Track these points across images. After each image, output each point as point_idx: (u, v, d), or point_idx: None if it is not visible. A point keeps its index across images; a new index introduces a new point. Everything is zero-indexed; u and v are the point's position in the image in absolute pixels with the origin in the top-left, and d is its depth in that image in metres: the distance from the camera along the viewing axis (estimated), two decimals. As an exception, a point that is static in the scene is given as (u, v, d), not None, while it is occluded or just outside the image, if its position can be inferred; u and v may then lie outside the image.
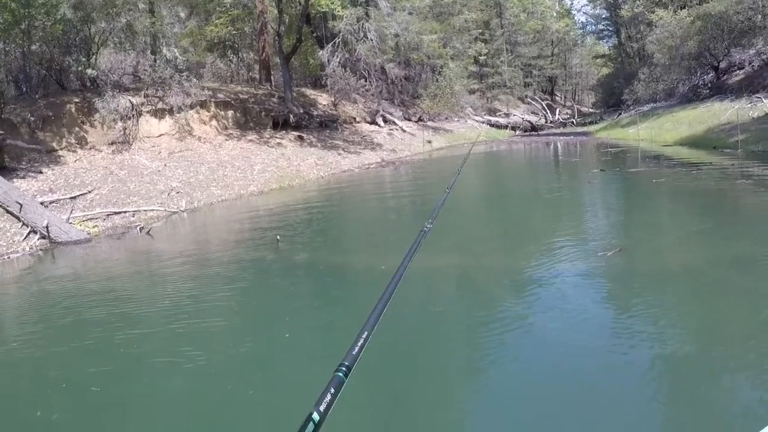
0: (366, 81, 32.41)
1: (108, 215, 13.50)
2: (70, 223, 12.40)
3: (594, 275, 7.60)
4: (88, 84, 19.47)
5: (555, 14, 74.51)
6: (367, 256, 9.54)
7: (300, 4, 29.04)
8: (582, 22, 70.31)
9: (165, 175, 16.75)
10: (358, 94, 32.19)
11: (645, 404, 4.31)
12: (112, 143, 17.79)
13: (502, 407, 4.60)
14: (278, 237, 10.30)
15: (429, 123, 39.31)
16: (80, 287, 8.66)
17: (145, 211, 14.16)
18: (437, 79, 42.37)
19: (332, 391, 1.39)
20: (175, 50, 21.97)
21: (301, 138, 25.18)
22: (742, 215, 10.98)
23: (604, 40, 69.55)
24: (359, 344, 1.61)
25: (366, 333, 1.66)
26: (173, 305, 7.13)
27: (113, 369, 5.49)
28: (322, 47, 32.56)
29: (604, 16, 64.13)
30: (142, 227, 12.66)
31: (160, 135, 19.76)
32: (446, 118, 41.96)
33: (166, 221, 13.98)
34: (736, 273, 7.20)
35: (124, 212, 13.80)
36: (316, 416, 1.30)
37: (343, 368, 1.48)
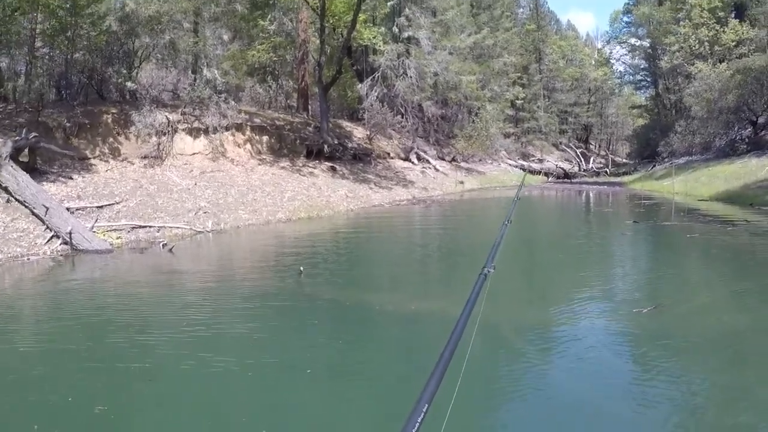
0: (402, 117, 32.33)
1: (133, 228, 13.29)
2: (94, 231, 12.20)
3: (628, 333, 7.14)
4: (127, 96, 19.54)
5: (594, 62, 74.47)
6: (393, 295, 9.11)
7: (342, 36, 29.13)
8: (620, 71, 69.79)
9: (194, 194, 16.56)
10: (393, 129, 32.09)
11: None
12: (144, 157, 17.71)
13: None
14: (301, 269, 9.91)
15: (462, 164, 39.06)
16: (94, 300, 8.40)
17: (170, 227, 13.92)
18: (473, 121, 42.25)
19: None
20: (216, 71, 21.96)
21: (333, 169, 24.99)
22: None
23: (642, 91, 69.06)
24: (418, 420, 1.23)
25: (426, 405, 1.30)
26: (187, 332, 6.73)
27: (116, 394, 5.14)
28: (361, 80, 32.57)
29: (642, 67, 63.77)
30: (166, 243, 12.38)
31: (194, 153, 19.67)
32: (480, 160, 41.68)
33: (190, 240, 13.74)
34: None
35: (150, 227, 13.58)
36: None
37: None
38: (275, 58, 30.15)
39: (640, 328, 7.20)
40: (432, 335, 6.90)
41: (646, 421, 4.72)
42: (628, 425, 4.72)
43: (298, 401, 5.04)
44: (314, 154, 25.20)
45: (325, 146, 25.66)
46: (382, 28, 32.50)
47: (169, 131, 18.68)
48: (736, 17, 42.35)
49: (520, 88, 53.73)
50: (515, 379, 5.72)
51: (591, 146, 73.29)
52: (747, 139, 32.85)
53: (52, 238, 11.54)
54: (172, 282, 9.91)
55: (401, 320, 7.53)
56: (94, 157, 16.52)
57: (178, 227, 14.10)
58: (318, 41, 28.53)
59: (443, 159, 37.55)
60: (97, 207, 13.65)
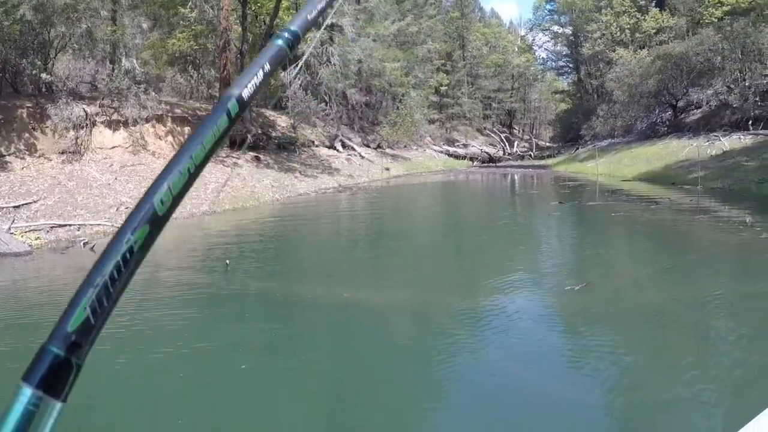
0: (327, 105, 32.32)
1: (52, 227, 13.08)
2: (12, 233, 11.97)
3: (561, 311, 7.48)
4: (43, 89, 19.02)
5: (517, 49, 75.71)
6: (324, 285, 9.20)
7: (265, 23, 28.92)
8: (543, 57, 71.32)
9: (115, 189, 16.36)
10: (317, 117, 32.11)
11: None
12: (62, 152, 17.31)
13: None
14: (227, 261, 9.98)
15: (388, 150, 39.38)
16: (12, 305, 8.30)
17: (91, 225, 13.75)
18: (398, 107, 42.53)
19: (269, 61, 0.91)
20: (135, 61, 21.58)
21: (257, 159, 24.93)
22: (706, 252, 11.03)
23: (564, 77, 70.83)
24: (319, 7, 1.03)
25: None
26: (110, 332, 6.80)
27: None
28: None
29: (564, 53, 65.38)
30: (87, 242, 12.25)
31: (113, 147, 19.32)
32: (405, 147, 42.10)
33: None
34: (698, 311, 7.11)
35: (69, 225, 13.39)
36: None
37: (289, 36, 0.93)
38: (196, 47, 29.73)
39: (573, 305, 7.50)
40: (366, 324, 7.11)
41: (581, 398, 4.96)
42: (564, 404, 4.92)
43: (233, 398, 5.09)
44: (237, 144, 25.03)
45: (249, 136, 25.51)
46: (306, 16, 32.29)
47: (87, 124, 18.27)
48: (656, 5, 43.95)
49: (444, 75, 54.36)
50: (448, 363, 5.86)
51: (515, 131, 74.60)
52: (667, 122, 34.31)
53: (-35, 240, 11.28)
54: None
55: (334, 309, 7.67)
56: (9, 154, 16.06)
57: (99, 224, 13.93)
58: (240, 29, 28.29)
59: (368, 146, 37.76)
60: (14, 207, 13.37)
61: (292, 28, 0.93)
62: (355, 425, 4.82)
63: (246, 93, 0.85)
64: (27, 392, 0.57)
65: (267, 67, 0.88)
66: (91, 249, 11.84)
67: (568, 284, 8.30)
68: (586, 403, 4.93)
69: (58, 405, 0.59)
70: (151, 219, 0.71)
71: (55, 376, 0.60)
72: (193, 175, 0.77)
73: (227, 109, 0.83)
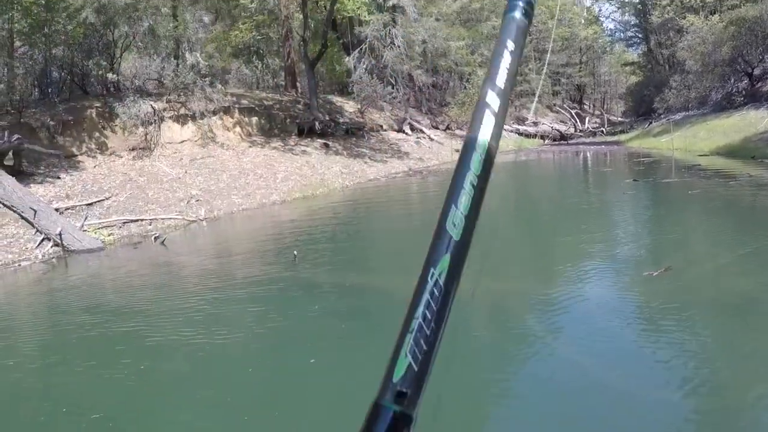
0: (393, 88, 31.82)
1: (124, 223, 13.04)
2: (85, 230, 11.96)
3: (639, 299, 6.91)
4: (111, 89, 19.17)
5: (583, 21, 73.66)
6: (393, 276, 8.74)
7: (325, 9, 28.59)
8: (610, 29, 69.35)
9: (185, 183, 16.29)
10: (384, 101, 31.60)
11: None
12: (132, 149, 17.40)
13: None
14: (295, 253, 9.63)
15: (457, 132, 38.64)
16: (87, 302, 8.15)
17: (162, 219, 13.67)
18: (465, 87, 41.75)
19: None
20: (198, 55, 21.57)
21: (326, 145, 24.67)
22: None
23: (633, 48, 68.46)
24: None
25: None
26: (185, 326, 6.58)
27: (118, 393, 5.05)
28: (348, 54, 32.09)
29: (633, 23, 63.18)
30: (158, 237, 12.12)
31: (182, 141, 19.35)
32: (474, 127, 41.31)
33: (184, 230, 13.49)
34: None
35: (141, 220, 13.33)
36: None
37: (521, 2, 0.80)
38: (259, 37, 29.64)
39: (652, 293, 6.93)
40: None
41: (657, 396, 4.53)
42: (645, 402, 4.51)
43: (300, 393, 4.88)
44: (306, 131, 24.84)
45: (316, 123, 25.30)
46: (366, -1, 31.95)
47: (155, 120, 18.32)
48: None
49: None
50: (522, 353, 5.57)
51: (585, 106, 72.70)
52: (744, 92, 32.47)
53: (42, 241, 11.26)
54: (164, 277, 9.66)
55: (400, 301, 7.25)
56: (81, 154, 16.21)
57: (170, 218, 13.85)
58: (301, 16, 28.05)
59: (437, 128, 37.14)
60: (87, 205, 13.38)
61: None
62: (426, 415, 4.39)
63: (499, 88, 0.74)
64: None
65: (510, 45, 0.76)
66: (162, 243, 11.74)
67: (645, 270, 7.66)
68: (662, 401, 4.48)
69: None
70: (448, 246, 0.66)
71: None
72: (478, 188, 0.68)
73: (485, 108, 0.72)
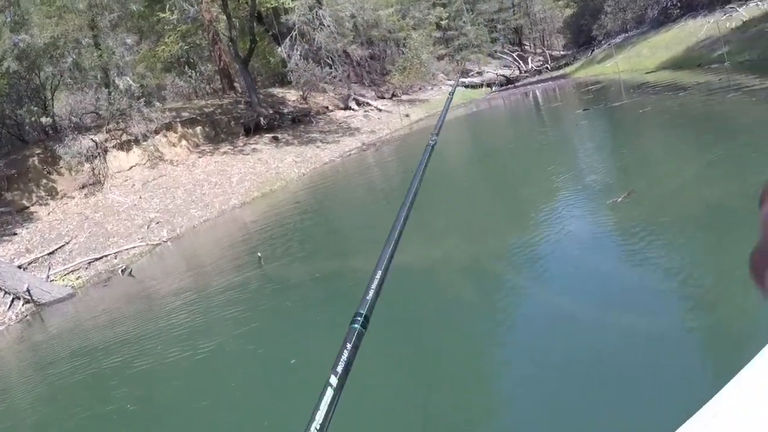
0: (331, 68, 31.66)
1: (89, 263, 13.03)
2: (52, 280, 11.94)
3: (609, 228, 6.91)
4: (49, 132, 18.92)
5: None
6: (364, 254, 8.66)
7: (248, 4, 28.31)
8: (537, -35, 69.19)
9: (142, 208, 16.23)
10: (325, 83, 31.47)
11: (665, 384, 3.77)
12: (83, 187, 17.24)
13: (510, 386, 4.34)
14: (259, 255, 9.69)
15: (403, 97, 38.65)
16: (71, 347, 8.26)
17: (127, 249, 13.66)
18: (403, 52, 41.62)
19: (349, 347, 1.17)
20: (128, 79, 21.30)
21: (275, 139, 24.60)
22: (748, 133, 9.90)
23: (563, -19, 68.57)
24: (373, 287, 1.35)
25: (380, 273, 1.40)
26: (169, 346, 6.71)
27: (119, 424, 5.26)
28: (279, 44, 31.84)
29: (558, -44, 63.23)
30: (125, 268, 12.12)
31: (131, 167, 19.19)
32: (420, 89, 41.28)
33: (150, 256, 13.50)
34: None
35: (105, 256, 13.31)
36: (334, 380, 1.09)
37: (359, 318, 1.23)
38: (186, 47, 29.36)
39: (620, 219, 6.96)
40: (420, 282, 6.74)
41: (650, 320, 4.56)
42: (633, 328, 4.54)
43: (280, 396, 4.96)
44: (252, 129, 24.73)
45: (261, 119, 25.19)
46: (287, -15, 31.64)
47: (99, 153, 18.16)
48: None
49: (442, 8, 52.99)
50: (499, 292, 5.66)
51: (526, 47, 72.69)
52: (679, 3, 32.71)
53: (13, 301, 11.24)
54: (139, 306, 9.73)
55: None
56: (32, 204, 16.05)
57: (134, 247, 13.85)
58: (224, 17, 27.76)
59: (383, 97, 37.10)
60: (48, 254, 13.31)
61: (362, 311, 1.26)
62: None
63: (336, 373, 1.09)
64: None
65: (348, 346, 1.16)
66: (130, 273, 11.74)
67: (609, 198, 7.67)
68: (649, 324, 4.51)
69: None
70: None
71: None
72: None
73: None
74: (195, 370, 5.93)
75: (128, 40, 23.06)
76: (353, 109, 32.74)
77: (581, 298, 5.31)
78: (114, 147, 19.00)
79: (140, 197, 17.02)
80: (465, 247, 7.66)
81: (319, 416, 1.01)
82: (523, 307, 5.43)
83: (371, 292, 1.34)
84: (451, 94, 4.35)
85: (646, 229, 6.38)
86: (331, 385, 1.07)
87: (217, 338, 6.70)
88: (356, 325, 1.21)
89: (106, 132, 19.15)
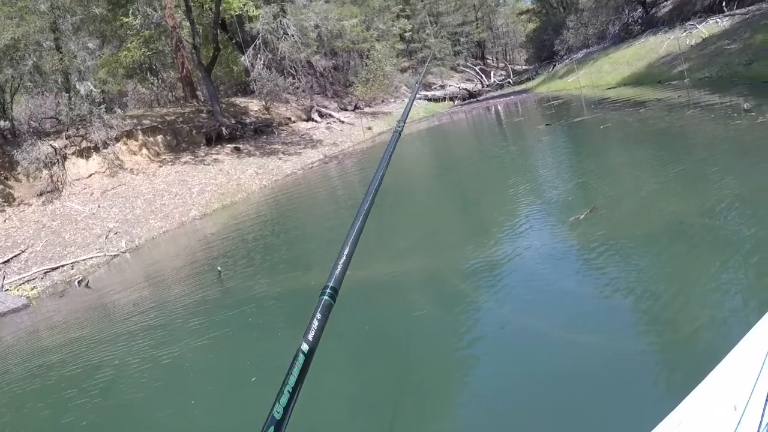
0: (294, 78, 31.72)
1: (45, 273, 12.90)
2: (7, 290, 11.80)
3: (570, 245, 6.97)
4: (7, 136, 18.61)
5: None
6: (323, 268, 8.78)
7: (212, 11, 28.21)
8: (500, -19, 70.27)
9: (100, 217, 16.10)
10: (288, 93, 31.52)
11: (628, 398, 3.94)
12: (40, 194, 16.99)
13: (467, 402, 4.42)
14: (219, 268, 9.72)
15: (366, 109, 38.87)
16: (26, 360, 8.14)
17: (84, 260, 13.55)
18: (366, 64, 41.81)
19: (319, 317, 1.30)
20: (90, 84, 21.06)
21: (237, 149, 24.57)
22: (707, 149, 10.43)
23: (526, -4, 69.77)
24: (342, 262, 1.48)
25: (348, 249, 1.54)
26: (126, 363, 6.69)
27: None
28: (243, 52, 31.79)
29: (522, -29, 64.27)
30: (81, 280, 12.04)
31: (90, 175, 18.99)
32: (382, 101, 41.53)
33: (108, 267, 13.40)
34: (713, 218, 6.54)
35: (62, 266, 13.19)
36: (305, 347, 1.23)
37: (329, 291, 1.37)
38: (149, 53, 29.15)
39: (581, 236, 7.03)
40: (382, 296, 6.82)
41: (608, 337, 4.68)
42: (590, 344, 4.65)
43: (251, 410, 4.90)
44: (214, 139, 24.66)
45: (223, 128, 25.14)
46: (252, -7, 31.59)
47: (58, 160, 17.94)
48: None
49: (406, 20, 53.38)
50: (457, 308, 5.71)
51: (489, 61, 73.63)
52: (640, 20, 33.74)
53: (-35, 312, 11.07)
54: (93, 320, 9.62)
55: (346, 292, 7.29)
56: (-13, 210, 15.81)
57: (91, 257, 13.74)
58: (188, 23, 27.62)
59: (346, 109, 37.29)
60: (3, 263, 13.13)
61: (331, 284, 1.37)
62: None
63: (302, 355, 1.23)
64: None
65: (319, 316, 1.28)
66: (87, 285, 11.66)
67: (570, 215, 7.80)
68: (608, 340, 4.64)
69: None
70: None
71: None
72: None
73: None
74: (154, 382, 6.01)
75: (90, 45, 22.78)
76: (316, 121, 32.83)
77: (540, 314, 5.39)
78: (73, 154, 18.80)
79: (99, 206, 16.88)
80: (424, 262, 7.79)
81: (292, 380, 1.15)
82: (480, 324, 5.48)
83: (339, 267, 1.46)
84: (414, 90, 4.57)
85: (607, 246, 6.50)
86: (302, 352, 1.20)
87: (175, 350, 6.73)
88: (325, 297, 1.35)
89: (66, 138, 18.94)
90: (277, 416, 1.09)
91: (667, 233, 6.58)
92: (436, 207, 11.78)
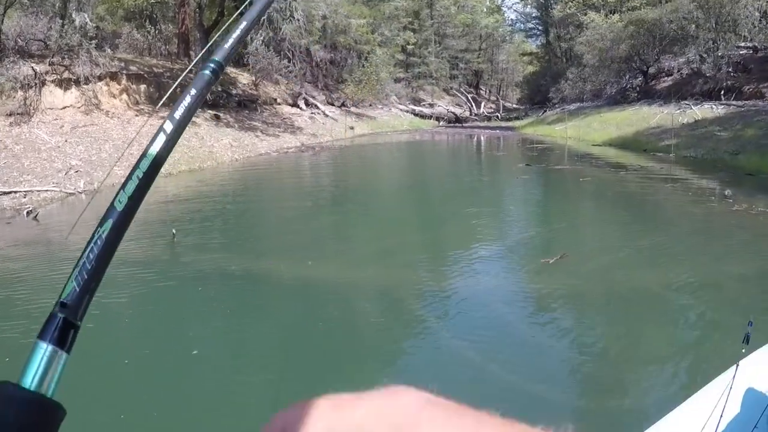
0: (290, 62, 31.58)
1: (-3, 195, 12.55)
2: (-48, 201, 11.47)
3: (538, 287, 7.06)
4: (-9, 47, 18.18)
5: (485, 9, 74.98)
6: (279, 258, 8.66)
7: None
8: (512, 19, 71.28)
9: (65, 152, 15.78)
10: (280, 75, 31.38)
11: None
12: (9, 114, 16.55)
13: None
14: (173, 231, 9.55)
15: (352, 109, 38.87)
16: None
17: (38, 191, 13.24)
18: (363, 65, 41.89)
19: (193, 92, 1.04)
20: (86, 16, 20.71)
21: (217, 117, 24.34)
22: (681, 226, 10.72)
23: (533, 39, 70.80)
24: (235, 36, 1.09)
25: (245, 24, 1.13)
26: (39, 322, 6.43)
27: None
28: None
29: (534, 15, 65.07)
30: (31, 210, 11.75)
31: (64, 107, 18.60)
32: (370, 105, 41.60)
33: (61, 204, 13.13)
34: (676, 295, 6.77)
35: (15, 192, 12.86)
36: (169, 126, 0.99)
37: (213, 65, 1.06)
38: (153, 1, 28.76)
39: (550, 280, 7.12)
40: (329, 304, 6.75)
41: (550, 389, 4.70)
42: (530, 395, 4.63)
43: (184, 386, 4.87)
44: (197, 102, 24.32)
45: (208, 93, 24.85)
46: (269, -32, 31.34)
47: (36, 84, 17.54)
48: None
49: (411, 33, 53.61)
50: (409, 348, 5.64)
51: (482, 91, 74.30)
52: (638, 88, 34.38)
53: None
54: (30, 256, 9.33)
55: (295, 286, 7.26)
56: (-48, 118, 15.38)
57: (46, 190, 13.44)
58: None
59: (333, 104, 37.24)
60: (-45, 173, 12.80)
61: (217, 58, 1.06)
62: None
63: (176, 120, 0.98)
64: (42, 346, 0.75)
65: (194, 92, 1.02)
66: (35, 218, 11.39)
67: (542, 257, 7.98)
68: (549, 393, 4.66)
69: (65, 356, 0.76)
70: (113, 214, 0.83)
71: (62, 334, 0.77)
72: (143, 180, 0.87)
73: (162, 131, 0.95)
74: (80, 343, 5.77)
75: (97, -23, 22.47)
76: (301, 108, 32.74)
77: (483, 350, 5.41)
78: (53, 82, 18.40)
79: (66, 140, 16.54)
80: (382, 291, 7.68)
81: (150, 155, 0.93)
82: (433, 365, 5.45)
83: (231, 41, 1.11)
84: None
85: (571, 296, 6.68)
86: (164, 131, 0.98)
87: (110, 311, 6.40)
88: (208, 72, 1.07)
89: (49, 65, 18.56)
90: None
91: (629, 296, 6.78)
92: (403, 226, 11.74)
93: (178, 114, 1.00)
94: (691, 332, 5.82)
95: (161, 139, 0.95)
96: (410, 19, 54.18)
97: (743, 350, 2.81)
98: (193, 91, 1.04)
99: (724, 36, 29.12)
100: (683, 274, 7.33)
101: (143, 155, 0.91)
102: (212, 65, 1.07)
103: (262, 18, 1.22)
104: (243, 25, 1.13)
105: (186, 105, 1.01)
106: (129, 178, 0.87)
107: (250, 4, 1.16)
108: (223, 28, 1.27)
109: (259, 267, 8.06)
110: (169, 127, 0.98)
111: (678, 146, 21.40)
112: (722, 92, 27.08)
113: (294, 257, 8.54)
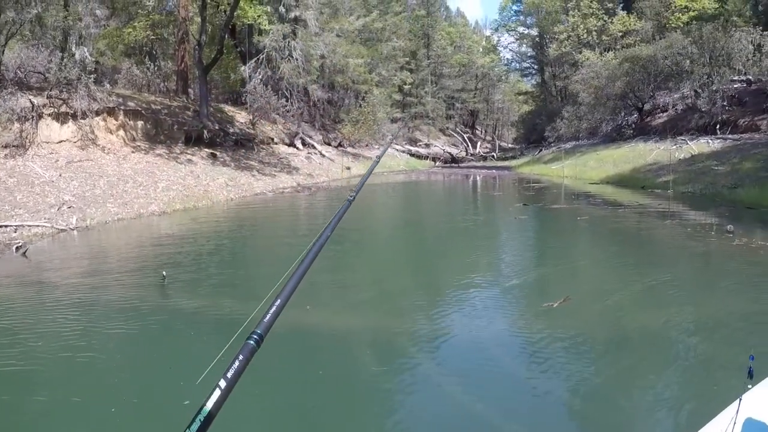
0: (287, 101, 31.67)
1: (-14, 229, 12.33)
2: (-59, 235, 11.25)
3: (541, 332, 6.71)
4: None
5: (481, 49, 75.80)
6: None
7: (225, 14, 28.14)
8: (507, 59, 71.66)
9: (58, 187, 15.60)
10: (278, 114, 31.42)
11: None
12: (5, 146, 16.40)
13: None
14: (164, 274, 9.29)
15: (349, 149, 38.93)
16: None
17: (29, 226, 13.01)
18: (360, 105, 42.08)
19: (241, 358, 1.37)
20: (86, 50, 20.71)
21: (213, 156, 24.27)
22: (686, 265, 10.54)
23: (528, 78, 71.65)
24: (272, 312, 1.56)
25: (280, 301, 1.62)
26: (43, 352, 6.20)
27: None
28: (244, 62, 31.76)
29: (529, 55, 65.82)
30: (20, 246, 11.49)
31: (60, 141, 18.49)
32: (367, 145, 41.65)
33: (52, 240, 12.88)
34: (678, 336, 6.59)
35: (5, 226, 12.63)
36: (222, 383, 1.29)
37: (255, 336, 1.45)
38: (153, 37, 28.88)
39: (554, 325, 6.86)
40: (323, 350, 6.55)
41: None
42: None
43: None
44: (193, 140, 24.33)
45: (205, 131, 24.86)
46: (268, 7, 31.71)
47: (33, 117, 17.43)
48: (623, 9, 44.39)
49: (408, 73, 54.05)
50: (406, 397, 5.43)
51: (478, 131, 74.87)
52: (633, 125, 34.69)
53: None
54: (15, 295, 9.07)
55: (288, 333, 7.03)
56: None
57: (38, 225, 13.21)
58: (199, 19, 27.49)
59: (329, 144, 37.29)
60: (-55, 207, 12.59)
61: (259, 331, 1.48)
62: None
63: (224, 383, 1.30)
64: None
65: (241, 358, 1.36)
66: (24, 254, 11.14)
67: (544, 300, 7.68)
68: None
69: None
70: None
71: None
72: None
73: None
74: (71, 376, 5.69)
75: (98, 12, 22.51)
76: (298, 148, 32.77)
77: (480, 393, 5.26)
78: (50, 115, 18.30)
79: (60, 175, 16.37)
80: (378, 336, 7.47)
81: (205, 411, 1.22)
82: (433, 418, 5.25)
83: (269, 316, 1.54)
84: (378, 157, 4.47)
85: (577, 341, 6.46)
86: (219, 387, 1.27)
87: (95, 351, 6.24)
88: (251, 341, 1.43)
89: (47, 98, 18.47)
90: None
91: (633, 339, 6.58)
92: (400, 268, 11.52)
93: (231, 370, 1.32)
94: (695, 370, 5.67)
95: (216, 394, 1.24)
96: (407, 59, 54.69)
97: (748, 385, 2.91)
98: (240, 357, 1.35)
99: (719, 70, 29.50)
100: (687, 313, 7.24)
101: (198, 412, 1.16)
102: (255, 336, 1.45)
103: (295, 289, 1.77)
104: (278, 302, 1.61)
105: (235, 369, 1.31)
106: None
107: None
108: (265, 299, 1.76)
109: (246, 315, 7.74)
110: (223, 384, 1.27)
111: (676, 182, 21.40)
112: (718, 126, 27.30)
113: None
